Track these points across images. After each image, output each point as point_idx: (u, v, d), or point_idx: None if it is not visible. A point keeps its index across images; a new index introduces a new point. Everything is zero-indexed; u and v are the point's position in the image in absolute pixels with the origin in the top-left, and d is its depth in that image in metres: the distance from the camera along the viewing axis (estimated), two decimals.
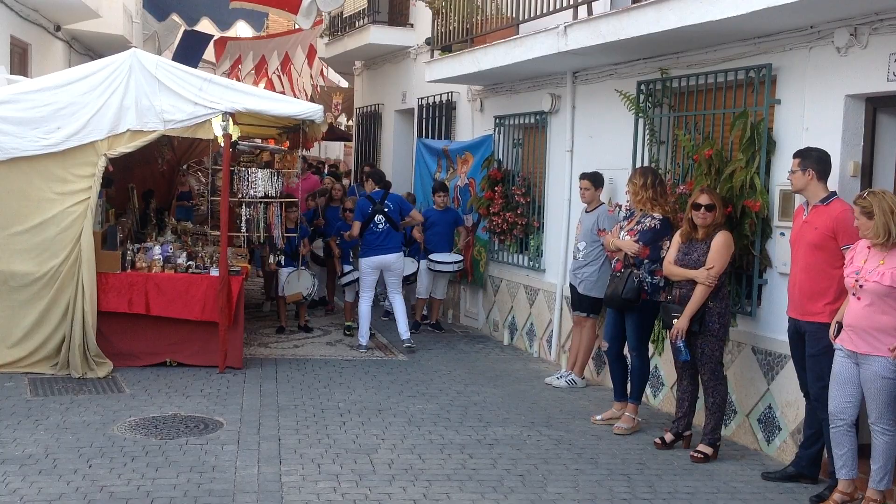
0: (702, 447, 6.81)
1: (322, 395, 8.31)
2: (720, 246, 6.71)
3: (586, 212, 8.93)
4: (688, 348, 6.84)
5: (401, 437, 7.15)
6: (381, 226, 10.31)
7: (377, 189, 10.74)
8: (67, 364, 8.61)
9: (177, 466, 6.23)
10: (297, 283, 10.87)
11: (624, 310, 7.46)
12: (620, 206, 8.69)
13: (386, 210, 10.34)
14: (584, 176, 8.94)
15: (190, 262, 9.25)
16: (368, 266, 10.34)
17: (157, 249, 9.22)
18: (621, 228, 7.61)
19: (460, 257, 11.58)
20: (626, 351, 7.71)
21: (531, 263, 10.72)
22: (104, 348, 8.71)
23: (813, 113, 6.71)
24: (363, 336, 10.42)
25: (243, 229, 9.89)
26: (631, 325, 7.51)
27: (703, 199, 6.77)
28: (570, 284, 9.15)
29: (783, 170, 6.96)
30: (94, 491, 5.72)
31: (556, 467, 6.56)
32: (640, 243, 7.32)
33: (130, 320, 8.89)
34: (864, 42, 6.23)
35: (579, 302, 8.98)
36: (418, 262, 11.56)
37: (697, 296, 6.69)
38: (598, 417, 7.78)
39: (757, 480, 6.44)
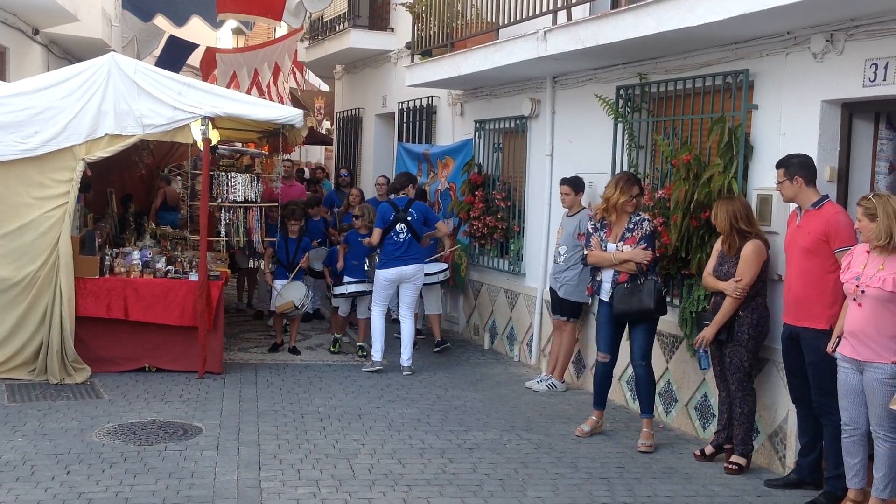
0: (735, 458, 6.71)
1: (302, 400, 8.30)
2: (748, 256, 6.51)
3: (567, 216, 8.97)
4: (711, 358, 6.77)
5: (381, 441, 7.14)
6: (402, 235, 9.50)
7: (402, 195, 9.89)
8: (45, 370, 8.55)
9: (155, 473, 6.20)
10: (289, 292, 10.18)
11: (640, 321, 7.22)
12: None
13: (409, 218, 9.55)
14: (564, 181, 8.98)
15: (169, 267, 9.21)
16: (386, 279, 9.49)
17: (135, 254, 9.18)
18: (602, 240, 7.34)
19: (444, 265, 11.01)
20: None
21: (511, 267, 10.74)
22: (82, 354, 8.66)
23: (790, 118, 6.76)
24: (378, 352, 9.53)
25: (223, 234, 9.83)
26: (642, 336, 7.27)
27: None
28: (551, 288, 9.18)
29: (760, 174, 7.03)
30: (71, 498, 5.69)
31: (536, 471, 6.57)
32: (649, 248, 7.17)
33: (109, 325, 8.84)
34: (840, 48, 6.28)
35: (559, 306, 9.00)
36: None
37: (726, 307, 6.59)
38: (587, 429, 7.52)
39: (735, 483, 6.47)
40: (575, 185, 8.90)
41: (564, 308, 8.97)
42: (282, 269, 10.34)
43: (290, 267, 10.31)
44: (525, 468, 6.63)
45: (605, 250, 7.29)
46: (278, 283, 10.31)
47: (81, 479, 6.01)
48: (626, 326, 7.37)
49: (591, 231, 7.48)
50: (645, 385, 7.32)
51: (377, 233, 9.54)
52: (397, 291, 9.80)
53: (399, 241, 9.50)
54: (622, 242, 7.23)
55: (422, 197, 10.90)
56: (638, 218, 7.26)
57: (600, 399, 7.59)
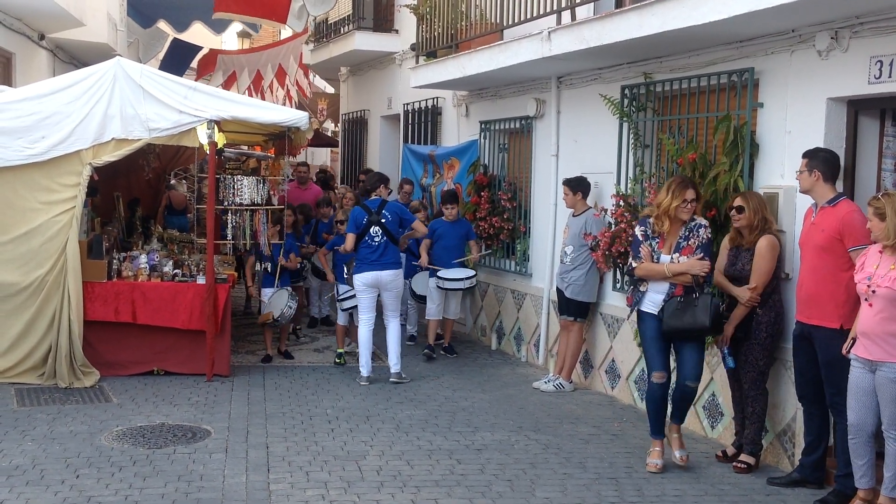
0: (744, 457, 6.68)
1: (310, 402, 8.31)
2: (763, 252, 6.41)
3: (573, 216, 8.97)
4: (733, 356, 6.69)
5: (389, 443, 7.15)
6: (377, 239, 9.10)
7: (374, 197, 9.41)
8: (54, 374, 8.58)
9: (164, 476, 6.22)
10: (276, 301, 9.77)
11: (691, 338, 6.62)
12: (606, 210, 8.71)
13: (383, 221, 9.15)
14: (564, 182, 9.00)
15: (176, 271, 9.22)
16: (362, 283, 9.12)
17: (143, 258, 9.20)
18: (654, 250, 6.66)
19: (472, 272, 10.58)
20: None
21: (518, 268, 10.74)
22: (91, 358, 8.69)
23: (795, 116, 6.75)
24: (364, 366, 9.16)
25: (229, 237, 9.81)
26: (696, 355, 6.63)
27: (736, 202, 6.58)
28: (558, 288, 9.18)
29: (766, 172, 7.03)
30: (81, 501, 5.71)
31: (545, 472, 6.58)
32: (707, 258, 6.57)
33: (117, 329, 8.87)
34: (844, 45, 6.28)
35: (566, 306, 9.01)
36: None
37: (741, 308, 6.57)
38: (661, 463, 6.67)
39: (744, 483, 6.46)
40: (574, 185, 8.88)
41: (571, 308, 8.97)
42: (268, 276, 10.04)
43: (274, 272, 10.00)
44: (533, 468, 6.64)
45: (658, 261, 6.63)
46: (266, 292, 10.03)
47: (91, 483, 6.03)
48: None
49: (640, 239, 6.73)
50: (688, 402, 6.85)
51: (350, 238, 9.18)
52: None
53: (374, 244, 9.10)
54: (677, 253, 6.59)
55: (454, 198, 10.68)
56: (694, 224, 6.61)
57: (658, 426, 6.76)
